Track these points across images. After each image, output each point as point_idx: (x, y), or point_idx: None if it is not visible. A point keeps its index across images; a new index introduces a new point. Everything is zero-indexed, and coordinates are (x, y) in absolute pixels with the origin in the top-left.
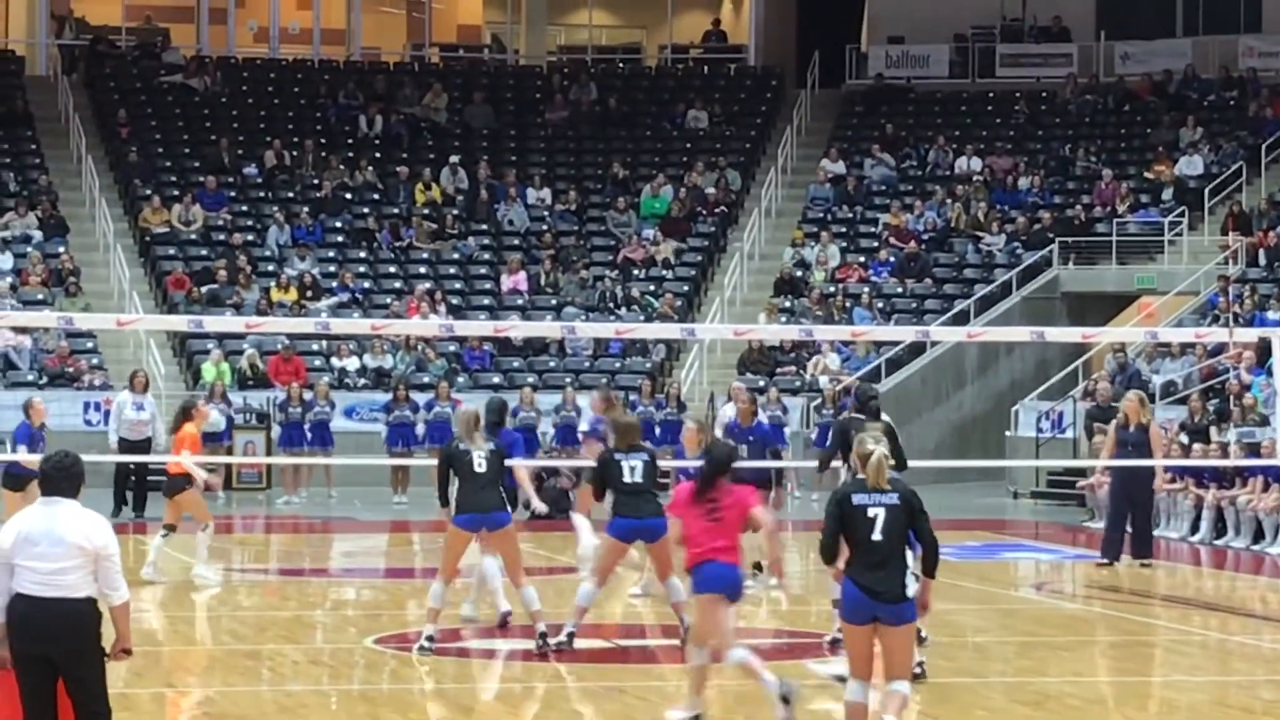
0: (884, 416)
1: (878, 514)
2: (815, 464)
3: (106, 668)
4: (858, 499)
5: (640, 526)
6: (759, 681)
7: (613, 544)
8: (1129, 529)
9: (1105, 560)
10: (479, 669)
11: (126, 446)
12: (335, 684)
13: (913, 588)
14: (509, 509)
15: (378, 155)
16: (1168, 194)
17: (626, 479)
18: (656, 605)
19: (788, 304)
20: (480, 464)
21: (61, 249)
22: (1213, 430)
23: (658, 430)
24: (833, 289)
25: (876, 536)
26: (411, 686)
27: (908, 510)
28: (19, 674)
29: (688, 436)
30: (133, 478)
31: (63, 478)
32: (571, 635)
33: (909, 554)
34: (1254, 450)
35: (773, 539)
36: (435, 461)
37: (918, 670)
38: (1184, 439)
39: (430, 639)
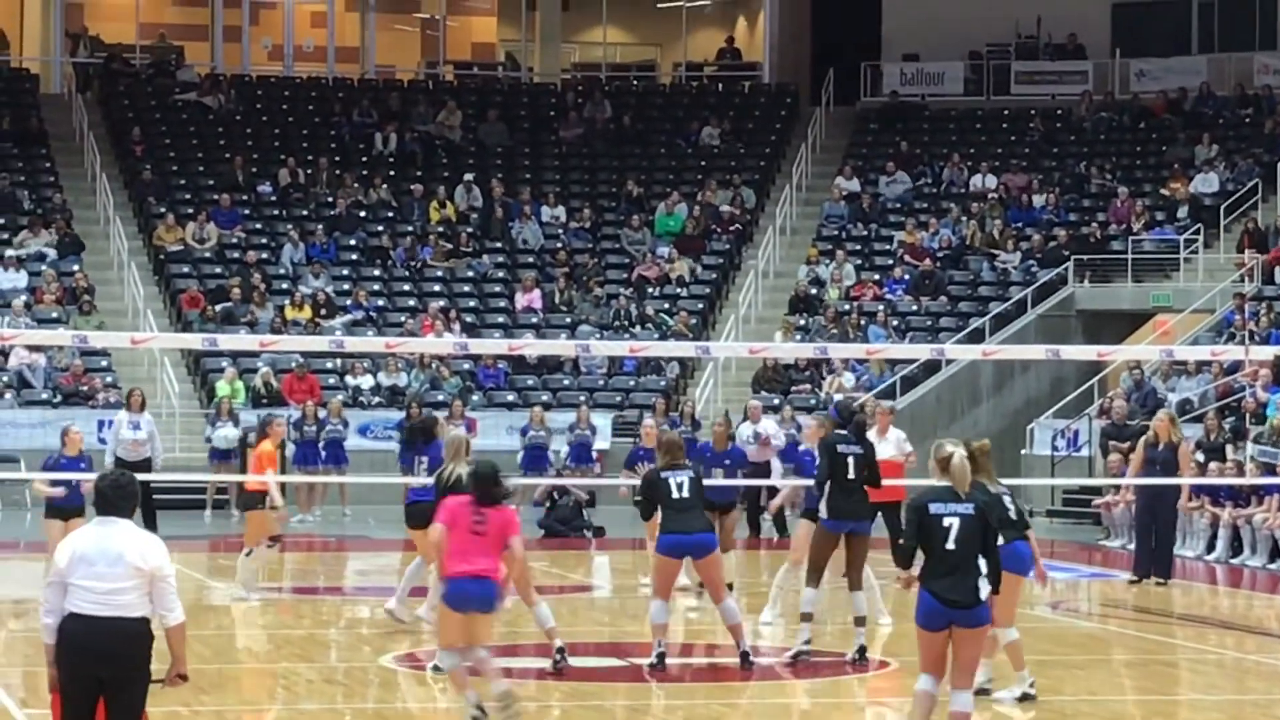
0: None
1: (952, 523)
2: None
3: (148, 693)
4: (934, 508)
5: (688, 542)
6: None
7: (663, 561)
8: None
9: (1136, 578)
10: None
11: (123, 466)
12: (349, 703)
13: (985, 591)
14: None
15: (392, 173)
16: (1183, 211)
17: (674, 495)
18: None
19: (802, 322)
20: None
21: (76, 267)
22: (1229, 448)
23: None
24: (848, 307)
25: (950, 545)
26: (425, 705)
27: (982, 520)
28: (65, 693)
29: (809, 433)
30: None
31: (119, 497)
32: (662, 655)
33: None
34: (1270, 469)
35: (518, 566)
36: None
37: (1030, 690)
38: (1200, 457)
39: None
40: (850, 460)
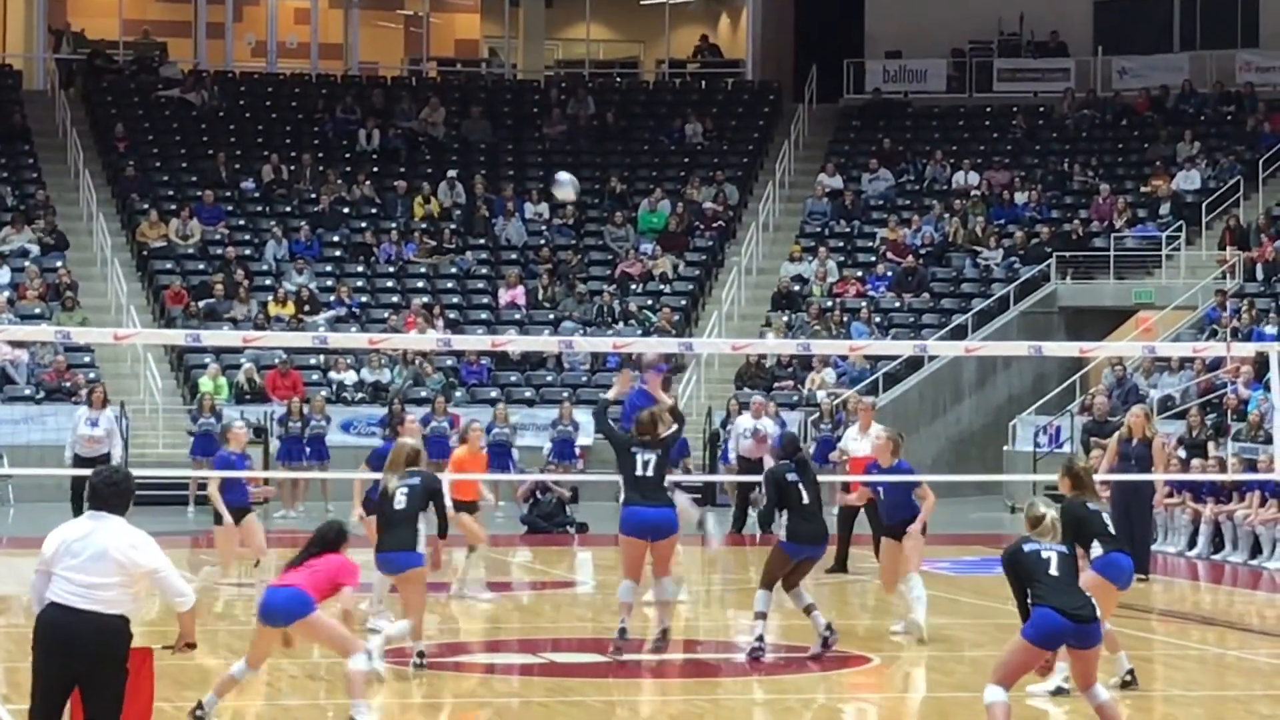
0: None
1: (1050, 556)
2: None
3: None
4: (1028, 547)
5: (647, 521)
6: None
7: (624, 540)
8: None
9: None
10: (477, 684)
11: (81, 463)
12: (331, 698)
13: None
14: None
15: (375, 169)
16: (1165, 209)
17: (639, 472)
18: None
19: (785, 318)
20: (400, 500)
21: (59, 263)
22: (1210, 445)
23: None
24: (830, 303)
25: (1053, 572)
26: (406, 701)
27: (1074, 557)
28: (38, 681)
29: (879, 447)
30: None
31: (112, 494)
32: (665, 631)
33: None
34: (1252, 465)
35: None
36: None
37: (1128, 678)
38: (1182, 453)
39: (421, 654)
40: (801, 488)
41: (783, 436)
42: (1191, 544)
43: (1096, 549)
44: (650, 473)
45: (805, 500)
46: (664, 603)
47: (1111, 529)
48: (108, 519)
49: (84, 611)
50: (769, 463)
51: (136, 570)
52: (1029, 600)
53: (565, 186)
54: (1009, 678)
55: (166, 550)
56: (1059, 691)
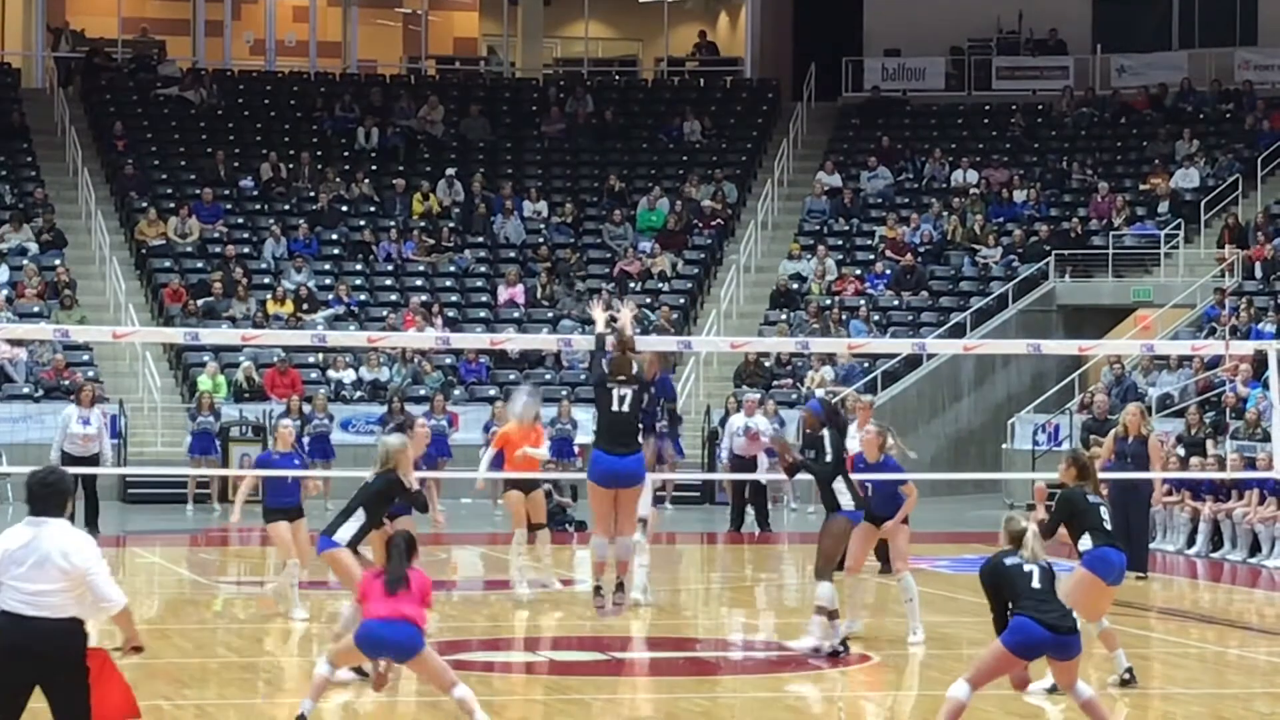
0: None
1: (1032, 569)
2: (811, 477)
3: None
4: (1009, 560)
5: (610, 469)
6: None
7: (590, 488)
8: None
9: None
10: (475, 681)
11: (71, 462)
12: (331, 696)
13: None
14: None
15: (374, 168)
16: (1164, 207)
17: (614, 408)
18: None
19: (784, 317)
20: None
21: (57, 261)
22: (1209, 443)
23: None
24: (829, 302)
25: (1035, 585)
26: (405, 699)
27: (1052, 575)
28: None
29: (867, 441)
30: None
31: (48, 494)
32: (598, 588)
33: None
34: (1251, 463)
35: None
36: (431, 474)
37: (1127, 676)
38: (1181, 451)
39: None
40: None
41: (820, 402)
42: (1190, 542)
43: (1086, 542)
44: (626, 408)
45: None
46: (622, 562)
47: (1108, 524)
48: (47, 523)
49: (32, 619)
50: (763, 460)
51: (76, 573)
52: (1009, 611)
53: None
54: (980, 680)
55: (168, 548)
56: (1055, 689)
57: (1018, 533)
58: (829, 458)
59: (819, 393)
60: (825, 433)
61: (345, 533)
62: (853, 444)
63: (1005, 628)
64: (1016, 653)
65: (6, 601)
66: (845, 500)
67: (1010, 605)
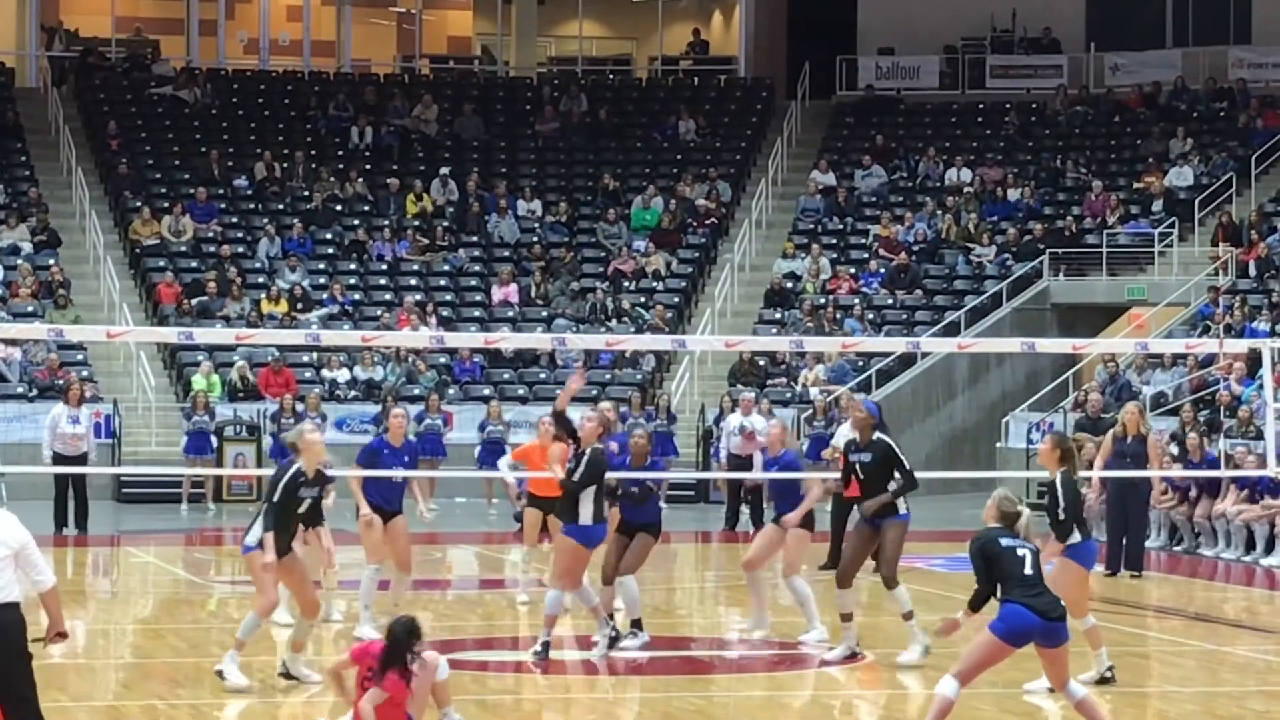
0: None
1: (1025, 554)
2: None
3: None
4: (1005, 541)
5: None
6: None
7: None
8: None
9: (1110, 571)
10: (470, 680)
11: (61, 461)
12: (326, 695)
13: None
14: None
15: (368, 167)
16: (1158, 205)
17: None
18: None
19: (778, 315)
20: None
21: (51, 261)
22: (1204, 441)
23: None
24: (823, 300)
25: (1027, 571)
26: None
27: (1039, 558)
28: None
29: (771, 435)
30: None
31: None
32: (546, 645)
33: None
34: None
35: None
36: (423, 473)
37: (1108, 674)
38: (1174, 449)
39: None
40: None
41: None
42: (1178, 539)
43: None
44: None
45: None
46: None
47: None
48: None
49: None
50: (759, 459)
51: (12, 550)
52: (999, 595)
53: None
54: (969, 674)
55: (164, 547)
56: (1103, 681)
57: (1014, 514)
58: (907, 467)
59: (814, 391)
60: (884, 438)
61: (253, 535)
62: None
63: (983, 603)
64: (1007, 640)
65: None
66: (901, 506)
67: (999, 589)
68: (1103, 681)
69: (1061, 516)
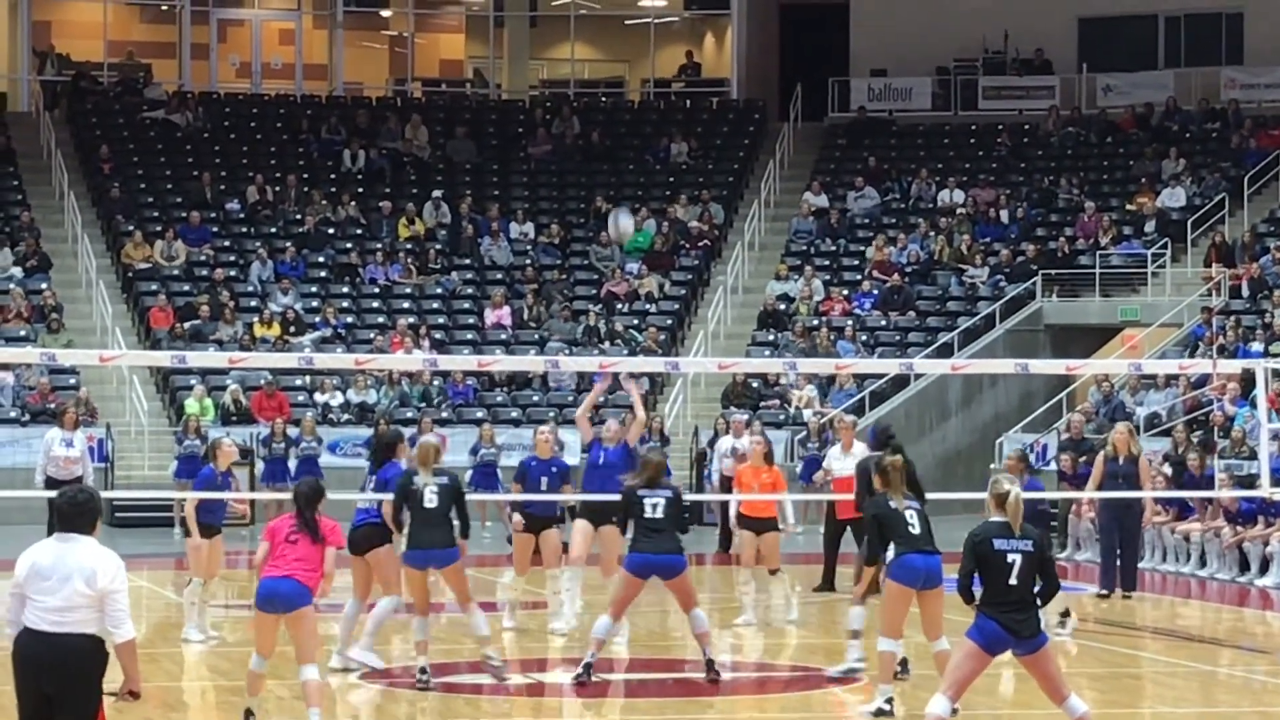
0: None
1: (1015, 560)
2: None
3: (102, 713)
4: (999, 544)
5: (656, 562)
6: None
7: (628, 578)
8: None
9: (1104, 592)
10: (464, 704)
11: (54, 485)
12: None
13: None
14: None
15: (360, 190)
16: (1150, 226)
17: (648, 514)
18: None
19: (771, 337)
20: (431, 499)
21: (44, 285)
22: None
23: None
24: (816, 322)
25: (1012, 581)
26: None
27: (1040, 554)
28: (20, 702)
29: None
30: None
31: (77, 514)
32: (589, 666)
33: None
34: (1241, 482)
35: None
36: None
37: (886, 707)
38: (1168, 470)
39: (424, 670)
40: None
41: (875, 427)
42: (1176, 559)
43: (892, 551)
44: (660, 514)
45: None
46: (703, 634)
47: (914, 529)
48: (77, 540)
49: (55, 634)
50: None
51: (99, 591)
52: (979, 602)
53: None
54: (957, 688)
55: (155, 572)
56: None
57: (1002, 495)
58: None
59: (807, 414)
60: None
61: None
62: (840, 465)
63: (970, 596)
64: (984, 648)
65: (30, 619)
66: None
67: (981, 595)
68: (880, 714)
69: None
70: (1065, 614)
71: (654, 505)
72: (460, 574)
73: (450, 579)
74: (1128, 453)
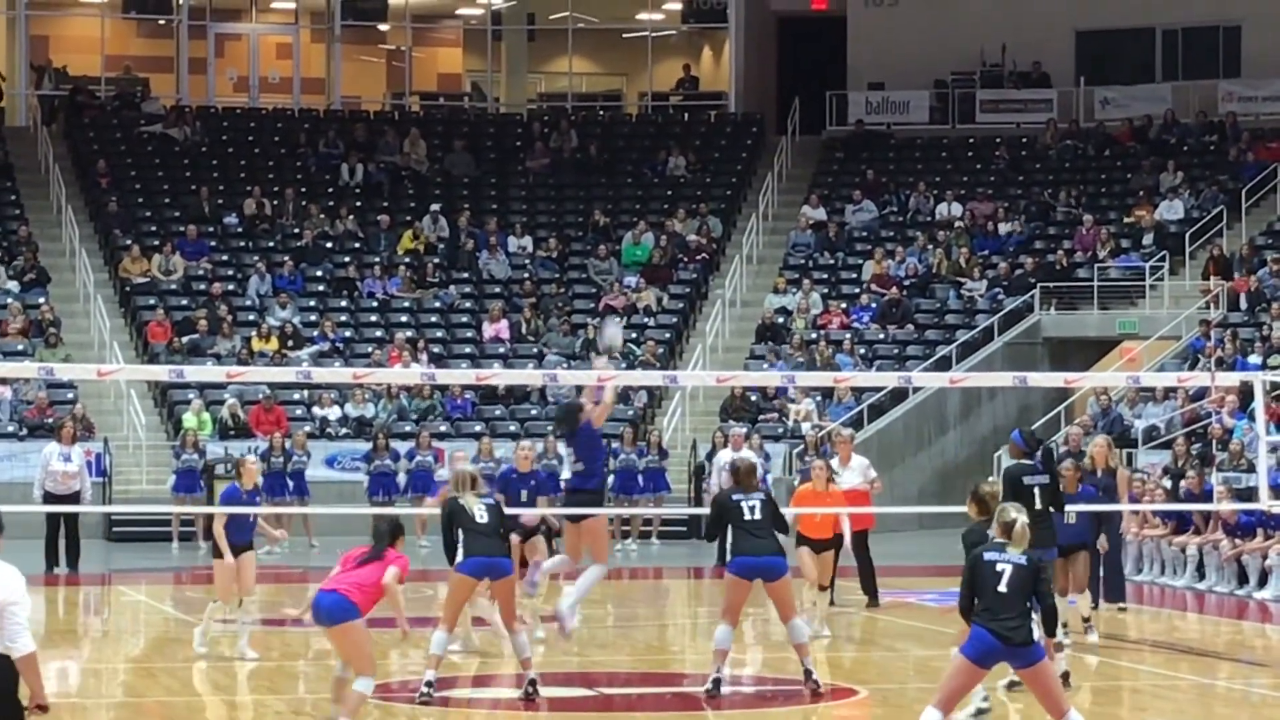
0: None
1: (1005, 569)
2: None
3: None
4: (988, 555)
5: (759, 564)
6: None
7: (735, 581)
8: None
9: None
10: (461, 718)
11: (52, 500)
12: None
13: (1037, 632)
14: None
15: (358, 204)
16: (1148, 239)
17: (747, 517)
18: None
19: (769, 350)
20: (482, 514)
21: (41, 299)
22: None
23: (640, 478)
24: (815, 335)
25: (1001, 589)
26: None
27: (1034, 571)
28: None
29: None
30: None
31: None
32: (718, 681)
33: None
34: (1239, 495)
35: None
36: (416, 510)
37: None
38: (1167, 483)
39: (429, 684)
40: (1036, 490)
41: (1022, 433)
42: (1174, 572)
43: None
44: (758, 516)
45: (1036, 504)
46: (801, 645)
47: (751, 516)
48: None
49: None
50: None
51: (0, 603)
52: (972, 613)
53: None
54: (949, 701)
55: (155, 586)
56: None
57: (1009, 523)
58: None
59: (805, 427)
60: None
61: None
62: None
63: (967, 615)
64: (976, 661)
65: None
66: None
67: (973, 607)
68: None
69: None
70: (1086, 620)
71: (751, 508)
72: (511, 590)
73: (500, 593)
74: (1105, 465)
